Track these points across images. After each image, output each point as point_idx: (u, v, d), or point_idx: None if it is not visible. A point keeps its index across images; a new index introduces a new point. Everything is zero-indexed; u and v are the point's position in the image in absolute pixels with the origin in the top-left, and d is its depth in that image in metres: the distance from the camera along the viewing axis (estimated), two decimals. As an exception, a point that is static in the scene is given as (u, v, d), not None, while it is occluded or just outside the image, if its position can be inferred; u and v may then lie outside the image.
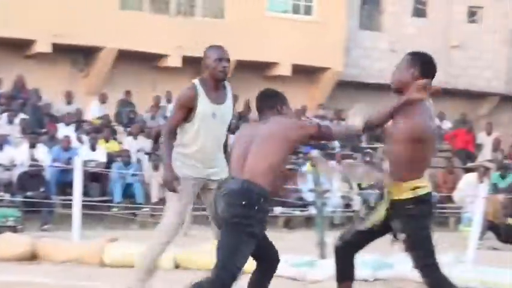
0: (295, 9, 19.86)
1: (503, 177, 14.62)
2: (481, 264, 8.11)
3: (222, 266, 4.49)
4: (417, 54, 4.72)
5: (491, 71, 21.51)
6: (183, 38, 18.20)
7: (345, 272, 4.85)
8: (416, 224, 4.59)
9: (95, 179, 13.33)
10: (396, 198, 4.63)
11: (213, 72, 5.34)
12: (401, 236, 4.60)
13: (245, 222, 4.48)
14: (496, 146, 17.93)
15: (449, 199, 13.48)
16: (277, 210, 13.97)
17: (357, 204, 14.56)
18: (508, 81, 21.76)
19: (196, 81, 5.40)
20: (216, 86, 5.40)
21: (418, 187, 4.59)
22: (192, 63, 18.73)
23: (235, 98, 5.57)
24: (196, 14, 18.87)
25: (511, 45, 21.78)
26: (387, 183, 4.67)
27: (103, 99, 16.61)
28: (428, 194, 4.65)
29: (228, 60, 5.35)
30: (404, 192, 4.59)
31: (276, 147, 4.57)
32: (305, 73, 19.78)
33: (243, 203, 4.48)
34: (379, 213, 4.71)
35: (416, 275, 4.87)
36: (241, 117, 17.46)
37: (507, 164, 16.43)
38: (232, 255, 4.48)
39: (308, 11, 19.87)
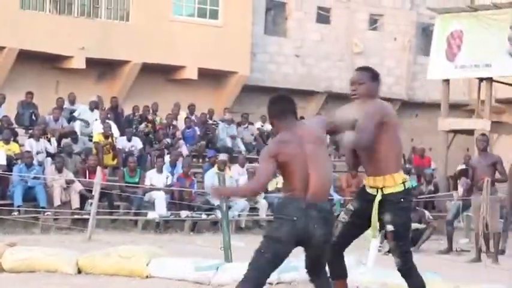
0: (201, 13, 19.83)
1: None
2: (381, 267, 8.25)
3: None
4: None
5: (392, 78, 22.01)
6: (87, 39, 17.91)
7: (335, 270, 5.09)
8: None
9: (-6, 182, 13.00)
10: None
11: None
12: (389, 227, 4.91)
13: None
14: (397, 151, 18.30)
15: (352, 202, 13.69)
16: (184, 214, 13.90)
17: (263, 207, 14.61)
18: (408, 87, 22.34)
19: None
20: None
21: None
22: (95, 65, 18.45)
23: None
24: (100, 16, 18.61)
25: (411, 52, 22.35)
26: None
27: (2, 100, 16.16)
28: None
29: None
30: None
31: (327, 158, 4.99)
32: (211, 77, 19.79)
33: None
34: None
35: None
36: (142, 120, 17.13)
37: (408, 168, 16.87)
38: None
39: (214, 15, 19.87)
